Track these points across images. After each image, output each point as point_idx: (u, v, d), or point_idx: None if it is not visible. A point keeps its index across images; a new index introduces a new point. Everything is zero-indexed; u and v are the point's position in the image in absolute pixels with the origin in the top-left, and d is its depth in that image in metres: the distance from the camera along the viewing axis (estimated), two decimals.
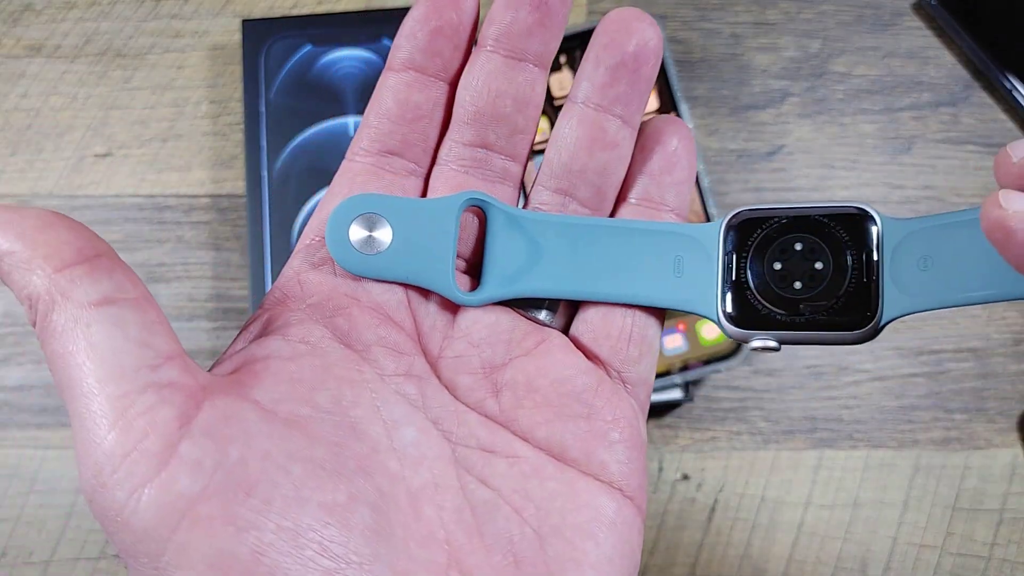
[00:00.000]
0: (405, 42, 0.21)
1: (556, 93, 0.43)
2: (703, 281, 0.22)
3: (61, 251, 0.17)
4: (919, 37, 0.47)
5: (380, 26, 0.44)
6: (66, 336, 0.17)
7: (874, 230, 0.21)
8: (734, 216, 0.22)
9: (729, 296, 0.21)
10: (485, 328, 0.21)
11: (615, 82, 0.21)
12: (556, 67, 0.43)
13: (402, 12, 0.44)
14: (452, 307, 0.22)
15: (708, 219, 0.41)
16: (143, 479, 0.16)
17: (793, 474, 0.42)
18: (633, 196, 0.23)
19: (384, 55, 0.43)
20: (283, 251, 0.41)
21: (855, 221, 0.21)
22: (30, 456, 0.42)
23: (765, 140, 0.45)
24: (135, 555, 0.17)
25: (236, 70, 0.46)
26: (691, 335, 0.41)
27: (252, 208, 0.42)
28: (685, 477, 0.41)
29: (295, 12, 0.47)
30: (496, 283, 0.22)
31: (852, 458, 0.42)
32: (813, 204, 0.21)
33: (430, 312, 0.22)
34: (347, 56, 0.44)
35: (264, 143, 0.43)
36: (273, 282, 0.41)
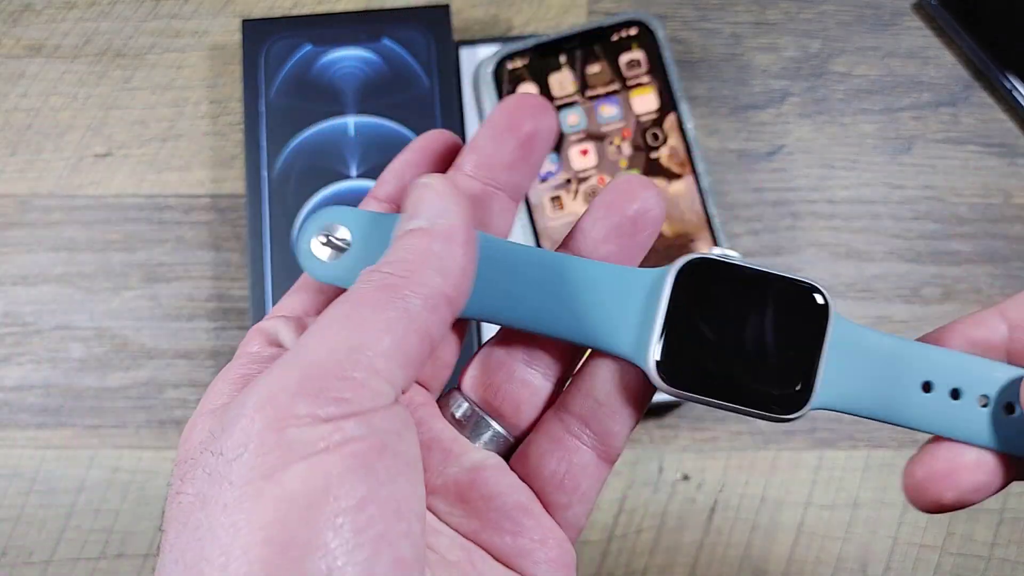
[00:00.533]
0: (392, 178, 0.22)
1: (556, 93, 0.43)
2: (639, 326, 0.21)
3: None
4: (919, 37, 0.47)
5: (380, 26, 0.44)
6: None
7: (828, 317, 0.21)
8: (686, 264, 0.21)
9: (661, 347, 0.20)
10: (429, 433, 0.22)
11: (608, 240, 0.22)
12: (556, 67, 0.43)
13: (402, 12, 0.44)
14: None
15: (708, 219, 0.41)
16: (332, 415, 0.17)
17: (793, 474, 0.42)
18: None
19: (384, 55, 0.44)
20: (283, 251, 0.41)
21: (811, 300, 0.21)
22: (30, 456, 0.42)
23: (765, 140, 0.45)
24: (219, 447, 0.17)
25: (236, 70, 0.46)
26: None
27: (252, 208, 0.42)
28: (685, 477, 0.41)
29: (295, 12, 0.47)
30: None
31: (852, 458, 0.42)
32: (773, 271, 0.21)
33: None
34: (347, 56, 0.44)
35: (264, 143, 0.43)
36: (272, 282, 0.41)
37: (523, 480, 0.22)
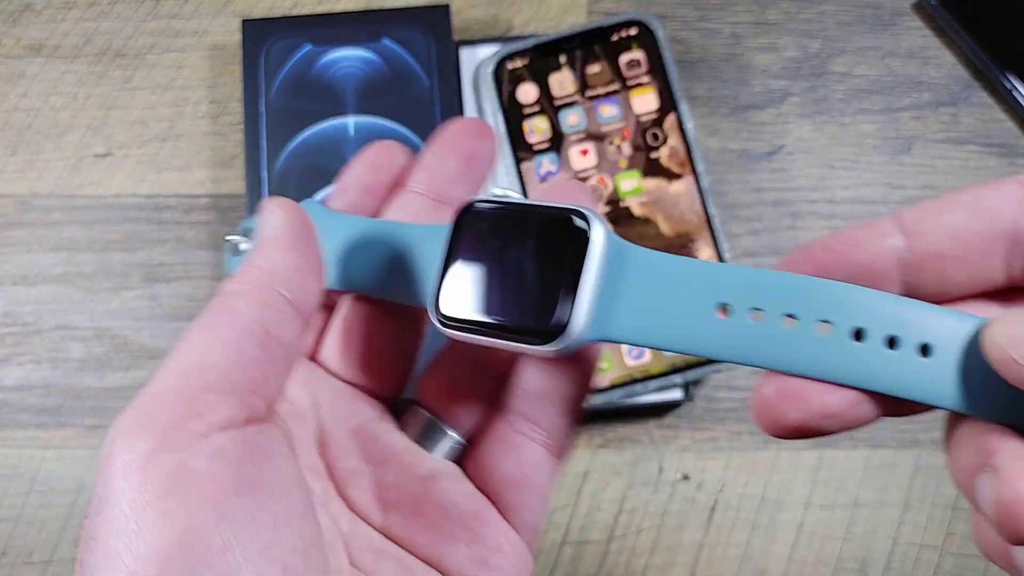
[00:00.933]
0: (340, 192, 0.24)
1: (556, 93, 0.43)
2: (430, 275, 0.21)
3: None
4: (919, 37, 0.47)
5: (380, 26, 0.44)
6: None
7: (596, 241, 0.19)
8: (463, 209, 0.21)
9: (440, 291, 0.20)
10: (383, 448, 0.22)
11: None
12: (556, 67, 0.43)
13: (402, 12, 0.44)
14: (354, 418, 0.22)
15: (708, 219, 0.41)
16: (169, 446, 0.17)
17: (793, 474, 0.42)
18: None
19: (384, 55, 0.44)
20: None
21: (576, 227, 0.19)
22: (30, 456, 0.42)
23: (765, 140, 0.45)
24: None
25: (236, 70, 0.46)
26: None
27: (252, 208, 0.42)
28: (685, 477, 0.41)
29: (295, 12, 0.47)
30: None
31: (852, 458, 0.42)
32: (541, 202, 0.20)
33: (334, 420, 0.22)
34: (347, 56, 0.44)
35: (264, 143, 0.43)
36: None
37: (480, 485, 0.22)
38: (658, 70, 0.43)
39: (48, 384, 0.42)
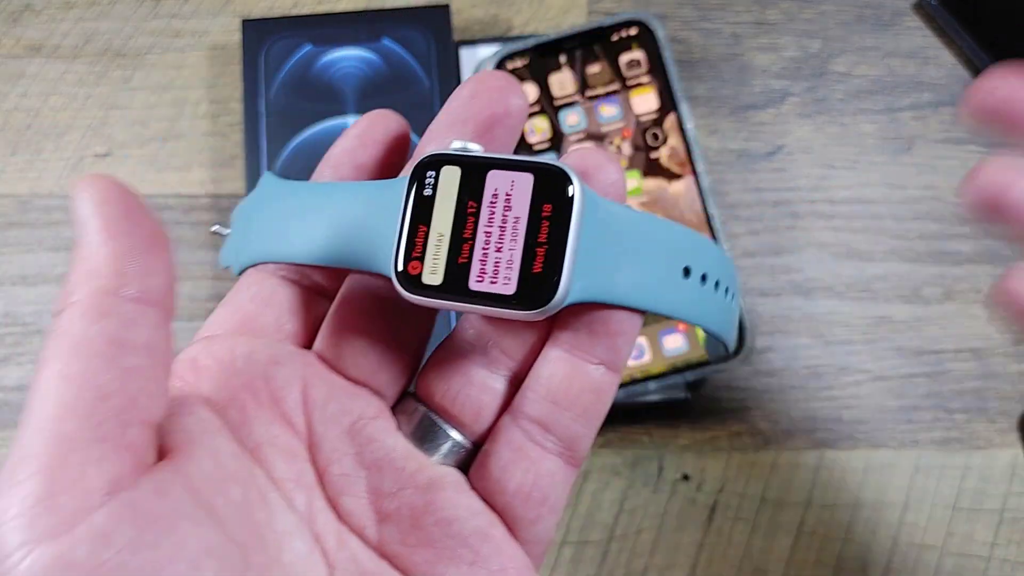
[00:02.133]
0: (327, 169, 0.22)
1: (556, 93, 0.43)
2: (388, 237, 0.19)
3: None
4: (919, 37, 0.47)
5: (380, 26, 0.44)
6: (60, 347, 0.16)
7: (575, 200, 0.18)
8: (420, 164, 0.19)
9: (402, 254, 0.18)
10: (380, 451, 0.20)
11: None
12: (556, 67, 0.43)
13: (402, 12, 0.44)
14: (349, 416, 0.20)
15: (708, 219, 0.41)
16: (41, 536, 0.14)
17: (793, 474, 0.41)
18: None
19: (384, 55, 0.44)
20: None
21: (555, 185, 0.18)
22: None
23: (765, 140, 0.45)
24: None
25: (236, 70, 0.46)
26: (691, 335, 0.41)
27: None
28: (685, 477, 0.41)
29: (295, 12, 0.47)
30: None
31: (852, 458, 0.42)
32: (505, 156, 0.18)
33: (325, 418, 0.20)
34: (347, 56, 0.44)
35: (264, 143, 0.43)
36: None
37: (487, 496, 0.20)
38: (658, 70, 0.43)
39: None
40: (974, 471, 0.42)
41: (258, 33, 0.44)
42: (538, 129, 0.42)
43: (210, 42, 0.47)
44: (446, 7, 0.44)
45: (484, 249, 0.18)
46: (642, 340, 0.40)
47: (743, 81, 0.46)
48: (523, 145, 0.42)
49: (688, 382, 0.41)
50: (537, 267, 0.18)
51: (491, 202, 0.18)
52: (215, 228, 0.23)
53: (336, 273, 0.21)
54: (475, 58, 0.44)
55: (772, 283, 0.44)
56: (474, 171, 0.18)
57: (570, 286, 0.18)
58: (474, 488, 0.20)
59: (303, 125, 0.43)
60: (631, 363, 0.40)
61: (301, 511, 0.19)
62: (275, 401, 0.20)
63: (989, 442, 0.42)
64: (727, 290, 0.21)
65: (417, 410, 0.21)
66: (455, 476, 0.20)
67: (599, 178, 0.19)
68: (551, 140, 0.42)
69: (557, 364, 0.20)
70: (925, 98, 0.46)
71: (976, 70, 0.46)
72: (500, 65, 0.42)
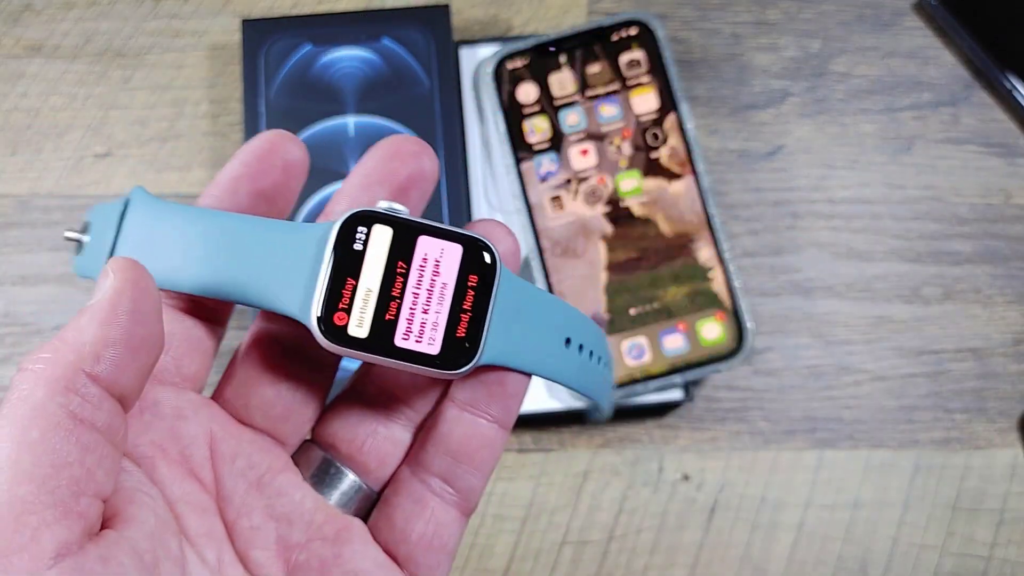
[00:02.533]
0: (216, 190, 0.21)
1: (556, 93, 0.43)
2: (307, 283, 0.19)
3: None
4: (919, 37, 0.47)
5: (380, 26, 0.44)
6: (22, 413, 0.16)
7: (496, 275, 0.20)
8: (349, 218, 0.19)
9: (323, 303, 0.19)
10: (288, 504, 0.21)
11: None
12: (556, 67, 0.43)
13: (402, 12, 0.44)
14: (256, 471, 0.21)
15: (708, 219, 0.41)
16: None
17: (793, 474, 0.41)
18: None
19: (384, 55, 0.44)
20: None
21: (481, 258, 0.20)
22: None
23: (765, 140, 0.45)
24: None
25: (236, 70, 0.46)
26: (691, 335, 0.41)
27: None
28: (685, 477, 0.41)
29: (295, 12, 0.47)
30: None
31: (852, 458, 0.42)
32: (437, 224, 0.20)
33: (234, 473, 0.21)
34: (347, 56, 0.44)
35: None
36: None
37: (391, 545, 0.21)
38: (658, 70, 0.43)
39: None
40: (974, 471, 0.42)
41: (258, 33, 0.44)
42: (538, 129, 0.42)
43: (210, 42, 0.47)
44: (446, 7, 0.44)
45: (412, 309, 0.19)
46: (642, 340, 0.40)
47: (743, 81, 0.46)
48: (523, 145, 0.42)
49: (688, 382, 0.41)
50: (461, 331, 0.19)
51: (420, 266, 0.19)
52: (71, 234, 0.22)
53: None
54: (475, 58, 0.44)
55: (772, 283, 0.44)
56: (406, 234, 0.19)
57: (485, 350, 0.20)
58: (377, 538, 0.21)
59: (303, 125, 0.43)
60: (631, 363, 0.40)
61: (211, 565, 0.20)
62: (184, 458, 0.20)
63: (989, 442, 0.42)
64: (600, 359, 0.23)
65: (316, 454, 0.22)
66: (360, 527, 0.21)
67: (499, 249, 0.20)
68: (551, 140, 0.42)
69: (457, 423, 0.21)
70: (925, 98, 0.46)
71: (976, 70, 0.46)
72: (500, 65, 0.42)
